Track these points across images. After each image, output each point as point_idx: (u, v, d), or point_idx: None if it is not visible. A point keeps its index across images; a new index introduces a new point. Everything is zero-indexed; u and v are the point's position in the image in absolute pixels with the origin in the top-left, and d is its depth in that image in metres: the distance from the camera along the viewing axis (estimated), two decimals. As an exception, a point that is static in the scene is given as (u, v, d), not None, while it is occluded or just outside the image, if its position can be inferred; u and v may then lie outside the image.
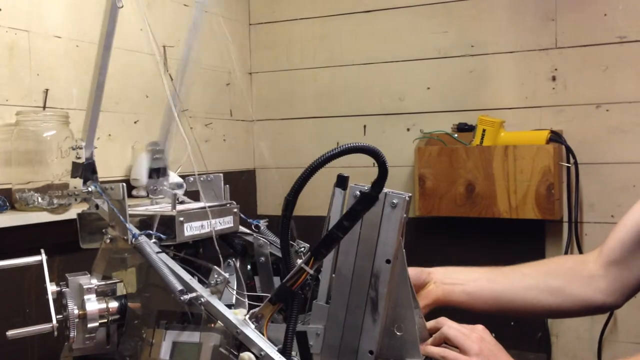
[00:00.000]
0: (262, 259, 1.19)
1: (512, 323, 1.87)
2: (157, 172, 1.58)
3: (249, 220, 1.22)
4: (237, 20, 2.39)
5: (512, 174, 1.91)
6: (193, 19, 1.38)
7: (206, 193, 1.23)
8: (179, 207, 0.96)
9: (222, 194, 1.27)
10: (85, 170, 1.17)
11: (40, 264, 0.95)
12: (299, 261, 0.80)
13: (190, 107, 2.11)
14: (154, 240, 0.88)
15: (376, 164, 0.80)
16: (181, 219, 0.92)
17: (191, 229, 0.95)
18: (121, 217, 0.88)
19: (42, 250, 0.99)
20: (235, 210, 1.19)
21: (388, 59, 2.23)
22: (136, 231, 0.86)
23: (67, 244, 1.13)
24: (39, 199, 1.42)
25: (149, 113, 1.87)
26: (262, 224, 1.25)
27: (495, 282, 1.11)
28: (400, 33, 2.21)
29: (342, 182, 0.94)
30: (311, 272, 0.79)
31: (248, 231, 1.19)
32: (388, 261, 0.88)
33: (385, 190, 0.86)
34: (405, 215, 0.88)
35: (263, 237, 1.20)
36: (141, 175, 1.74)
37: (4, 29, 1.47)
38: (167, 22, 2.02)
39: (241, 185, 2.34)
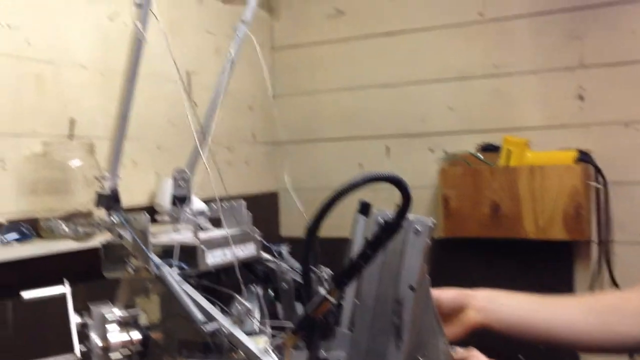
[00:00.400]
0: (284, 285, 1.19)
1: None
2: (181, 200, 1.59)
3: (271, 246, 1.22)
4: (260, 44, 2.42)
5: (539, 194, 1.88)
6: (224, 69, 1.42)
7: (228, 220, 1.23)
8: (201, 236, 0.96)
9: (244, 220, 1.27)
10: (109, 200, 1.18)
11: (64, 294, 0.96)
12: (321, 289, 0.80)
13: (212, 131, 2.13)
14: (176, 270, 0.87)
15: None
16: (203, 247, 0.92)
17: (213, 258, 0.95)
18: (144, 247, 0.88)
19: (66, 282, 1.00)
20: (257, 236, 1.18)
21: (409, 80, 2.23)
22: (158, 261, 0.87)
23: (92, 272, 1.14)
24: (65, 227, 1.44)
25: (173, 139, 1.89)
26: (284, 249, 1.25)
27: (537, 312, 1.09)
28: (421, 54, 2.21)
29: (364, 209, 0.94)
30: (333, 301, 0.78)
31: (271, 258, 1.19)
32: (412, 288, 0.87)
33: (408, 215, 0.85)
34: (429, 241, 0.87)
35: (285, 264, 1.19)
36: (165, 201, 1.75)
37: (31, 61, 1.51)
38: (191, 48, 2.04)
39: (264, 208, 2.34)
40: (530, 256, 1.98)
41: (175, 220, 1.42)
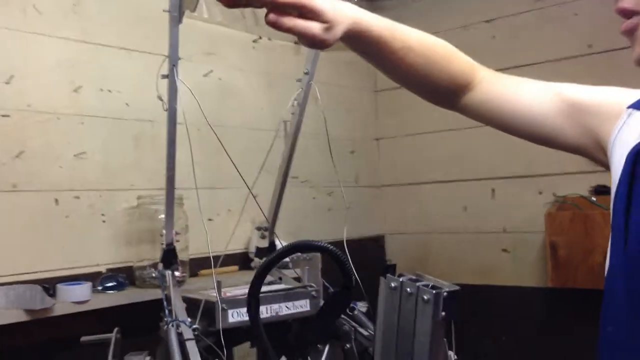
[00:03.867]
0: (348, 345, 1.17)
1: None
2: (264, 251, 1.64)
3: (354, 304, 1.22)
4: (363, 87, 2.43)
5: (661, 242, 1.67)
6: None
7: (304, 273, 1.26)
8: (227, 294, 0.98)
9: (317, 274, 1.28)
10: (166, 256, 1.27)
11: (115, 339, 1.04)
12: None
13: (310, 176, 2.17)
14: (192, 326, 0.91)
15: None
16: (224, 305, 0.94)
17: (238, 316, 0.96)
18: (165, 303, 0.93)
19: (117, 329, 1.08)
20: (314, 294, 1.19)
21: (516, 118, 2.10)
22: (169, 318, 0.90)
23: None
24: (154, 274, 1.55)
25: (267, 187, 1.95)
26: (359, 308, 1.24)
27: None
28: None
29: (387, 270, 0.91)
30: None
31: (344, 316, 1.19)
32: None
33: (419, 283, 0.81)
34: (443, 312, 0.81)
35: (348, 323, 1.19)
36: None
37: (130, 122, 1.66)
38: (286, 98, 2.11)
39: (369, 252, 2.32)
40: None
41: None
